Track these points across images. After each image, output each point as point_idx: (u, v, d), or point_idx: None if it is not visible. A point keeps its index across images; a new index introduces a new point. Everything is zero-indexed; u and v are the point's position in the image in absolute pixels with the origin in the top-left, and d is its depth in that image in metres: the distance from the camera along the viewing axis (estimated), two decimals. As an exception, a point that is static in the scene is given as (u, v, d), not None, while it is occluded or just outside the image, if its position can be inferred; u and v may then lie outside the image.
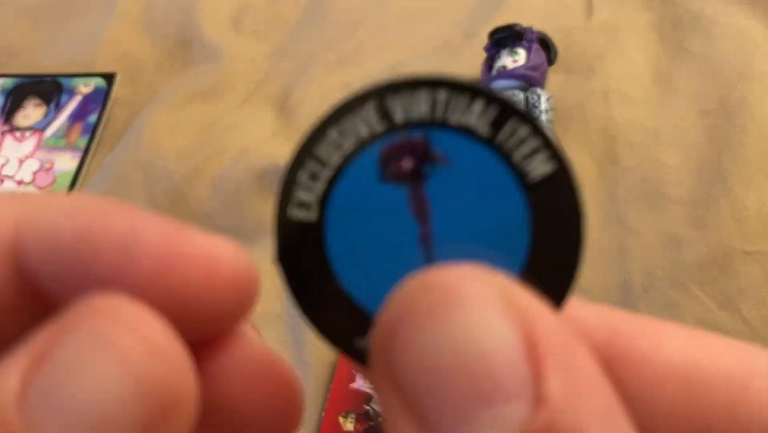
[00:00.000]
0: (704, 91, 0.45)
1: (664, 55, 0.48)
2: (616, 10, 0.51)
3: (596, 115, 0.46)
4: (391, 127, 0.10)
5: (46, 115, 0.60)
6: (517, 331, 0.09)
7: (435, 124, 0.10)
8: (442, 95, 0.10)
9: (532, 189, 0.10)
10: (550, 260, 0.10)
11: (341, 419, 0.39)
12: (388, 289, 0.10)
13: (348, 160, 0.10)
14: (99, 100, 0.59)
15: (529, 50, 0.46)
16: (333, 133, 0.10)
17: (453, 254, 0.10)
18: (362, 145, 0.10)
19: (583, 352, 0.09)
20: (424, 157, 0.10)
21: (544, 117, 0.44)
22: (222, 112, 0.56)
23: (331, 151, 0.10)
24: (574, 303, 0.11)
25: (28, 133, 0.59)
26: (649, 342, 0.11)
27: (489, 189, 0.10)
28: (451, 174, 0.10)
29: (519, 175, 0.10)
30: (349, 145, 0.10)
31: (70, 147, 0.57)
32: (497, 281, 0.09)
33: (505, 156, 0.10)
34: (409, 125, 0.10)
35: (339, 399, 0.39)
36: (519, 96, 0.45)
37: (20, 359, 0.09)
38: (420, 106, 0.10)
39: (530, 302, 0.09)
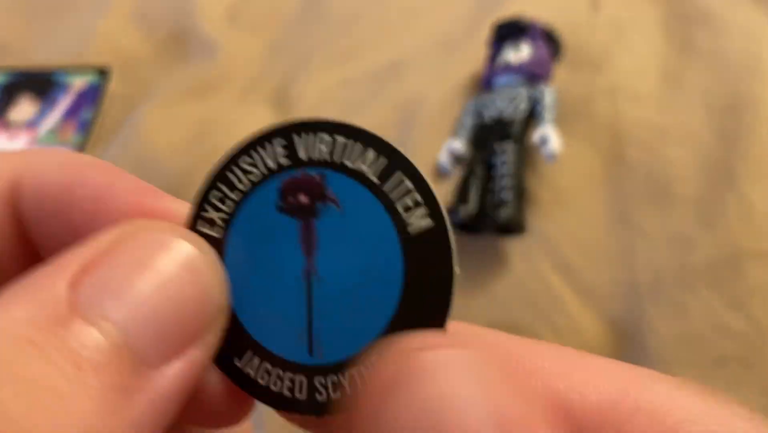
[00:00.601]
0: (712, 88, 0.44)
1: (672, 51, 0.47)
2: (622, 4, 0.50)
3: (602, 112, 0.45)
4: (294, 163, 0.11)
5: (39, 111, 0.59)
6: (484, 405, 0.09)
7: (333, 165, 0.11)
8: (341, 140, 0.11)
9: (409, 241, 0.11)
10: (419, 311, 0.11)
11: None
12: (267, 313, 0.11)
13: (254, 187, 0.11)
14: (93, 96, 0.58)
15: (533, 45, 0.46)
16: (244, 161, 0.11)
17: (329, 290, 0.11)
18: (267, 176, 0.11)
19: None
20: (318, 195, 0.11)
21: (548, 113, 0.43)
22: (218, 109, 0.55)
23: (241, 177, 0.11)
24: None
25: (21, 130, 0.58)
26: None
27: (372, 234, 0.11)
28: (341, 214, 0.11)
29: (399, 225, 0.11)
30: (256, 174, 0.11)
31: (64, 144, 0.56)
32: (463, 345, 0.09)
33: (389, 205, 0.11)
34: (310, 164, 0.11)
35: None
36: (522, 92, 0.44)
37: (69, 262, 0.10)
38: (321, 147, 0.11)
39: (505, 367, 0.09)
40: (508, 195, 0.40)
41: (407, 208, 0.11)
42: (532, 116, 0.44)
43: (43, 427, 0.08)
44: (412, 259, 0.11)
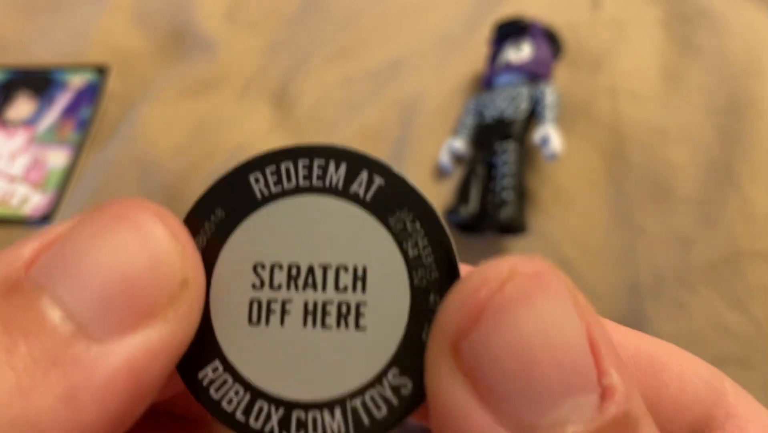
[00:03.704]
0: (713, 88, 0.44)
1: (672, 51, 0.47)
2: (623, 4, 0.50)
3: (603, 112, 0.45)
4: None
5: (37, 110, 0.58)
6: (582, 326, 0.09)
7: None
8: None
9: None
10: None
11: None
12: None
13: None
14: (92, 94, 0.58)
15: (534, 44, 0.45)
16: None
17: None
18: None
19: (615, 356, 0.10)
20: None
21: (549, 112, 0.43)
22: (217, 107, 0.55)
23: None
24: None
25: (19, 128, 0.58)
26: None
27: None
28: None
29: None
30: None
31: (63, 142, 0.56)
32: (566, 277, 0.10)
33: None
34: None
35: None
36: (523, 91, 0.44)
37: (32, 240, 0.10)
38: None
39: (587, 301, 0.10)
40: (508, 195, 0.40)
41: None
42: (533, 116, 0.44)
43: None
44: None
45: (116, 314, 0.09)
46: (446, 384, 0.09)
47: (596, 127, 0.44)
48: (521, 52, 0.45)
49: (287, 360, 0.11)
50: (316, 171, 0.11)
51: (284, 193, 0.11)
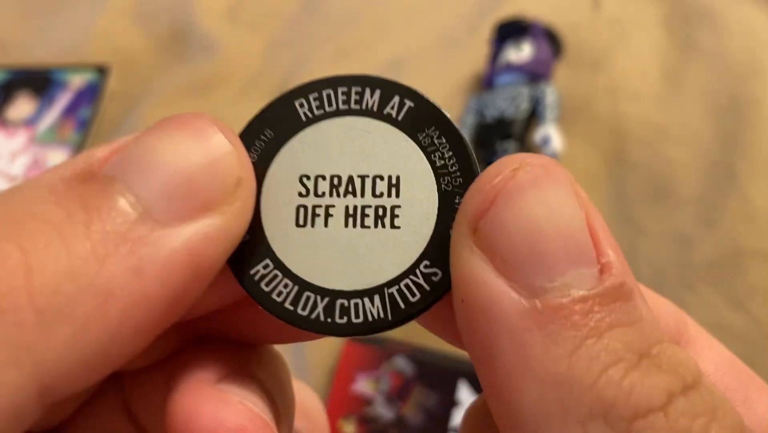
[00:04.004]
0: (713, 88, 0.44)
1: (673, 50, 0.47)
2: (623, 4, 0.50)
3: (603, 111, 0.45)
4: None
5: (37, 109, 0.58)
6: (582, 212, 0.11)
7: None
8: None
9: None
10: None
11: (342, 422, 0.38)
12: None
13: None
14: (92, 94, 0.58)
15: (534, 44, 0.45)
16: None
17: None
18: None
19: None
20: None
21: (549, 112, 0.43)
22: (217, 107, 0.55)
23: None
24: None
25: (19, 128, 0.58)
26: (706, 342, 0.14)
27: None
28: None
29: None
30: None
31: (63, 142, 0.56)
32: (566, 170, 0.11)
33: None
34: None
35: (339, 403, 0.39)
36: (523, 91, 0.44)
37: (104, 146, 0.11)
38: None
39: (584, 193, 0.11)
40: (509, 194, 0.40)
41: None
42: (534, 116, 0.44)
43: (36, 254, 0.09)
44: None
45: (178, 203, 0.11)
46: (467, 259, 0.10)
47: (597, 127, 0.44)
48: (522, 52, 0.45)
49: (331, 256, 0.12)
50: (353, 96, 0.13)
51: (326, 116, 0.13)
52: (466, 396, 0.37)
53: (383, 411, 0.38)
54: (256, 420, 0.12)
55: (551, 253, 0.10)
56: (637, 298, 0.10)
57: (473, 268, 0.10)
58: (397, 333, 0.40)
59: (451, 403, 0.37)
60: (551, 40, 0.47)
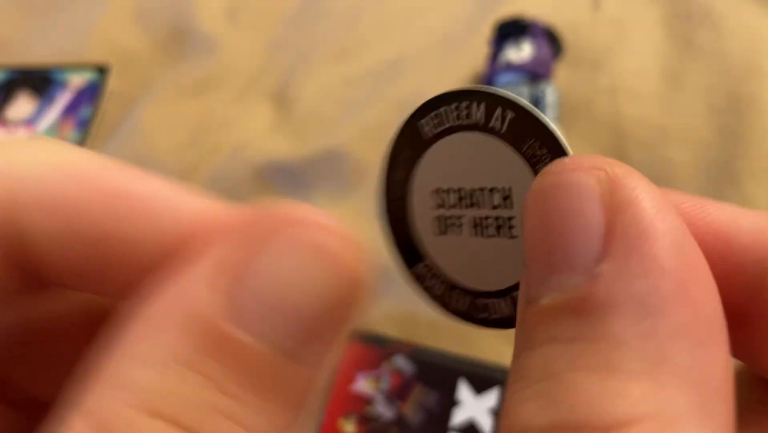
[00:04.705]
0: (713, 88, 0.44)
1: (673, 50, 0.47)
2: (623, 3, 0.51)
3: (603, 111, 0.45)
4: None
5: (37, 109, 0.59)
6: (602, 217, 0.10)
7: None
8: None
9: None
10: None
11: (342, 421, 0.38)
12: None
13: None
14: (92, 93, 0.58)
15: (534, 44, 0.46)
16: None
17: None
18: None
19: (657, 244, 0.10)
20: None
21: (549, 112, 0.43)
22: (218, 107, 0.55)
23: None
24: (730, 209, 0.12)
25: (19, 127, 0.58)
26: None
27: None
28: None
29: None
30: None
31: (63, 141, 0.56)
32: (603, 172, 0.10)
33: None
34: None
35: (339, 402, 0.39)
36: (523, 91, 0.44)
37: (205, 270, 0.09)
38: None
39: (629, 193, 0.10)
40: (509, 194, 0.40)
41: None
42: (534, 115, 0.44)
43: None
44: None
45: (321, 343, 0.10)
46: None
47: (597, 127, 0.44)
48: (522, 52, 0.46)
49: (465, 261, 0.14)
50: (464, 111, 0.14)
51: (443, 133, 0.14)
52: (466, 396, 0.37)
53: (383, 410, 0.38)
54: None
55: (539, 258, 0.10)
56: (613, 315, 0.09)
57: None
58: (396, 333, 0.40)
59: (450, 402, 0.37)
60: (551, 40, 0.47)
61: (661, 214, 0.10)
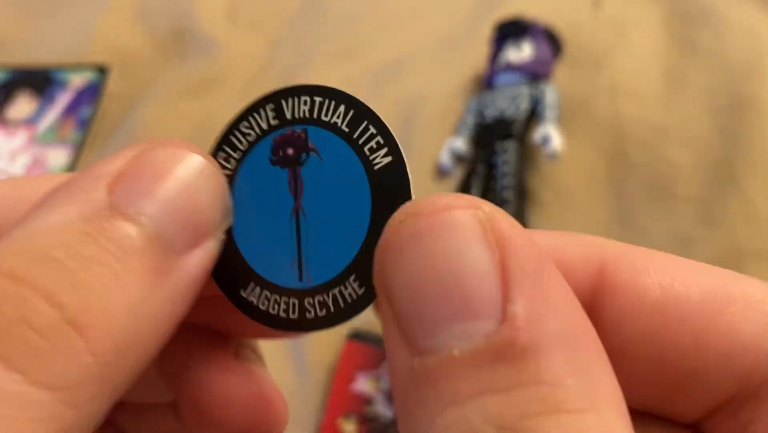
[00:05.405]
0: (714, 88, 0.44)
1: (674, 50, 0.47)
2: (624, 3, 0.50)
3: (603, 111, 0.45)
4: (282, 123, 0.14)
5: (37, 109, 0.58)
6: (492, 256, 0.10)
7: (313, 121, 0.13)
8: (318, 99, 0.13)
9: (375, 175, 0.13)
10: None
11: (342, 421, 0.38)
12: (264, 249, 0.13)
13: (251, 147, 0.14)
14: (92, 93, 0.58)
15: (534, 44, 0.46)
16: (243, 126, 0.14)
17: (314, 224, 0.13)
18: (261, 136, 0.14)
19: (552, 278, 0.10)
20: (302, 147, 0.13)
21: (549, 112, 0.43)
22: (217, 107, 0.55)
23: (241, 139, 0.14)
24: (561, 237, 0.13)
25: (19, 127, 0.58)
26: (628, 271, 0.12)
27: (345, 174, 0.13)
28: (320, 161, 0.13)
29: (366, 164, 0.13)
30: (252, 135, 0.14)
31: (64, 141, 0.56)
32: (480, 210, 0.10)
33: (358, 149, 0.13)
34: (295, 121, 0.13)
35: (339, 402, 0.39)
36: (523, 91, 0.44)
37: (101, 177, 0.11)
38: (303, 107, 0.13)
39: (509, 230, 0.10)
40: (509, 194, 0.40)
41: (372, 150, 0.13)
42: (534, 115, 0.44)
43: (102, 294, 0.10)
44: (378, 189, 0.13)
45: (190, 232, 0.12)
46: (380, 302, 0.11)
47: (597, 127, 0.44)
48: (522, 52, 0.46)
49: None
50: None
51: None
52: (465, 396, 0.37)
53: (383, 410, 0.38)
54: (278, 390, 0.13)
55: (430, 307, 0.10)
56: (542, 357, 0.09)
57: (383, 315, 0.11)
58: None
59: (450, 403, 0.37)
60: (551, 40, 0.47)
61: (537, 249, 0.10)
